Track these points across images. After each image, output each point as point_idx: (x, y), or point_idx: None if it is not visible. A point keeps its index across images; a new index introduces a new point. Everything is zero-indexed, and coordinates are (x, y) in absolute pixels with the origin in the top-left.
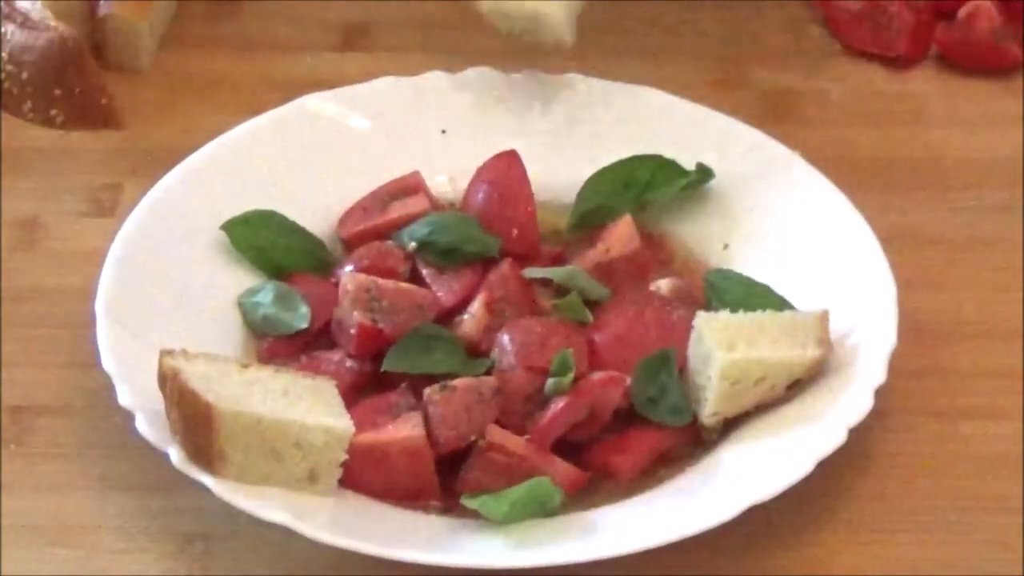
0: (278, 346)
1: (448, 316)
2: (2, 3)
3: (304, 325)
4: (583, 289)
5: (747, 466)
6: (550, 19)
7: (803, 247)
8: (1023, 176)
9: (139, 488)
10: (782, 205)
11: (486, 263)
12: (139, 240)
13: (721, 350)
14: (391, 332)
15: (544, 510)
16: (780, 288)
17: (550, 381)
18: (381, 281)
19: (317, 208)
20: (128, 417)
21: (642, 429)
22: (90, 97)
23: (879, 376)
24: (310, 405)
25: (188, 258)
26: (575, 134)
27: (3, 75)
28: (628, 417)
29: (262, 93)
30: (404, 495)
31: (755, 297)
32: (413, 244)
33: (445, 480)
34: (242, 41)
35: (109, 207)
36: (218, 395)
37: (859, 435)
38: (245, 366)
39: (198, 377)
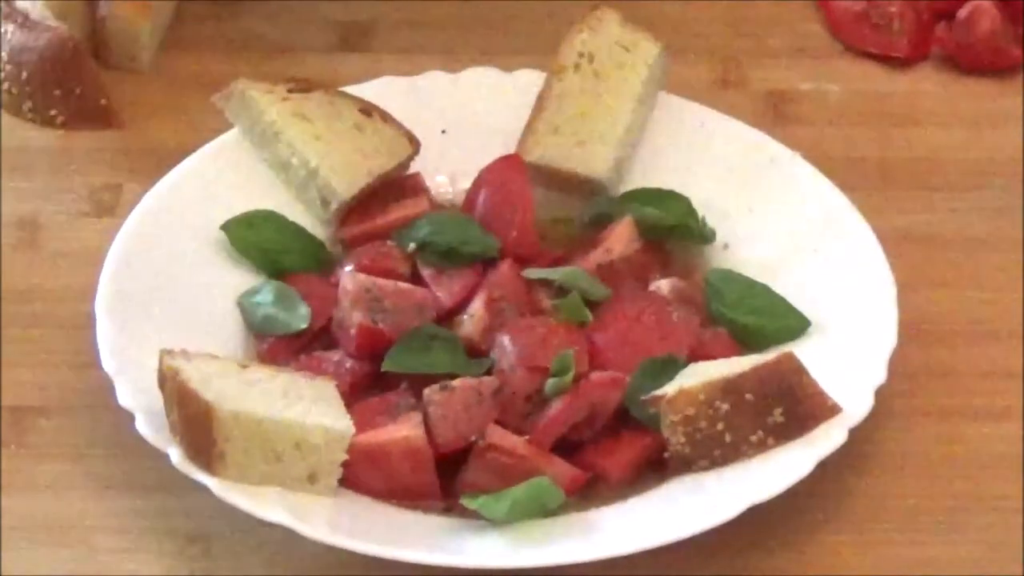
0: (278, 346)
1: (448, 316)
2: (2, 3)
3: (304, 325)
4: (583, 289)
5: (747, 466)
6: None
7: (803, 247)
8: (1023, 176)
9: (139, 488)
10: (782, 205)
11: (486, 264)
12: (139, 240)
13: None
14: (391, 332)
15: (544, 510)
16: (780, 288)
17: (550, 381)
18: (381, 281)
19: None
20: (128, 417)
21: (635, 432)
22: (90, 97)
23: (879, 376)
24: (310, 405)
25: (188, 258)
26: None
27: (3, 75)
28: (624, 418)
29: None
30: (404, 495)
31: (755, 297)
32: (413, 244)
33: (445, 480)
34: (242, 41)
35: (109, 207)
36: (218, 395)
37: (859, 435)
38: (245, 366)
39: (198, 377)
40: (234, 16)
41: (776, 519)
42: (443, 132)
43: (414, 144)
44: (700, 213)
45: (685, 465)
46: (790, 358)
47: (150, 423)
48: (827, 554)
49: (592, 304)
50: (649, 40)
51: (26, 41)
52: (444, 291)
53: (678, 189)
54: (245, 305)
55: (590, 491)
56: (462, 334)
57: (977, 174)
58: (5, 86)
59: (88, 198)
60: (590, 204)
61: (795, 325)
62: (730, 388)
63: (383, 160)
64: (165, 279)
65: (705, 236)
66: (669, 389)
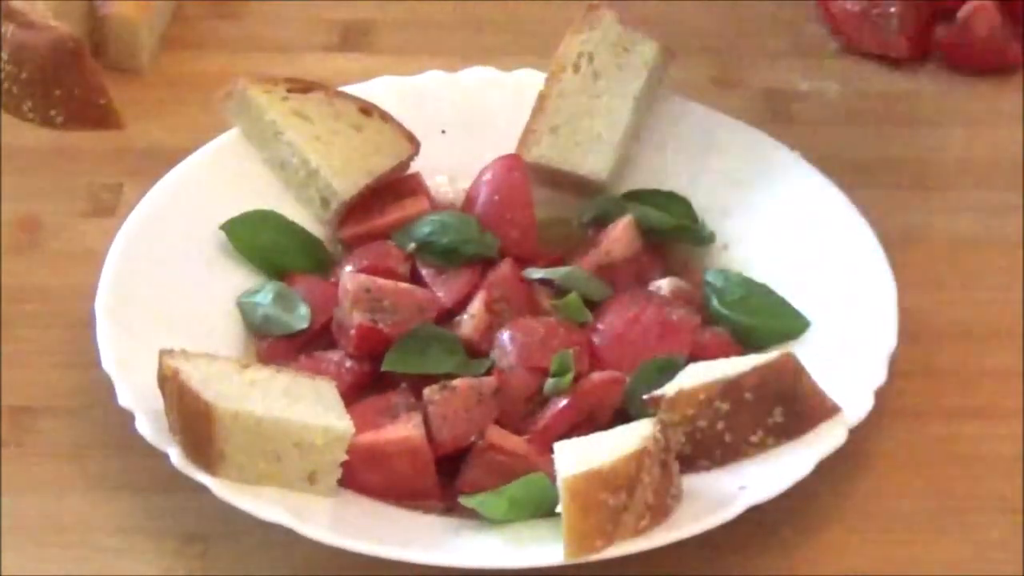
0: (278, 346)
1: (448, 316)
2: (2, 3)
3: (304, 325)
4: (583, 289)
5: (747, 466)
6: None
7: (803, 247)
8: (1023, 176)
9: (139, 488)
10: (782, 205)
11: (486, 263)
12: (139, 240)
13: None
14: (391, 332)
15: (543, 508)
16: (780, 288)
17: (550, 381)
18: (381, 281)
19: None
20: (128, 417)
21: None
22: (90, 97)
23: (879, 376)
24: (310, 405)
25: (188, 258)
26: None
27: (3, 75)
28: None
29: None
30: (404, 495)
31: (755, 297)
32: (413, 244)
33: (445, 480)
34: (242, 41)
35: (109, 207)
36: (218, 395)
37: (859, 435)
38: (245, 366)
39: (198, 377)
40: (234, 16)
41: (776, 519)
42: (443, 132)
43: (414, 144)
44: (700, 213)
45: (685, 465)
46: (790, 358)
47: (150, 423)
48: (827, 554)
49: (592, 304)
50: (648, 40)
51: (26, 41)
52: (444, 291)
53: (678, 189)
54: (245, 305)
55: None
56: (462, 334)
57: (977, 174)
58: (5, 86)
59: (88, 198)
60: (590, 204)
61: (795, 325)
62: (730, 388)
63: (383, 160)
64: (165, 279)
65: (704, 238)
66: (669, 389)
